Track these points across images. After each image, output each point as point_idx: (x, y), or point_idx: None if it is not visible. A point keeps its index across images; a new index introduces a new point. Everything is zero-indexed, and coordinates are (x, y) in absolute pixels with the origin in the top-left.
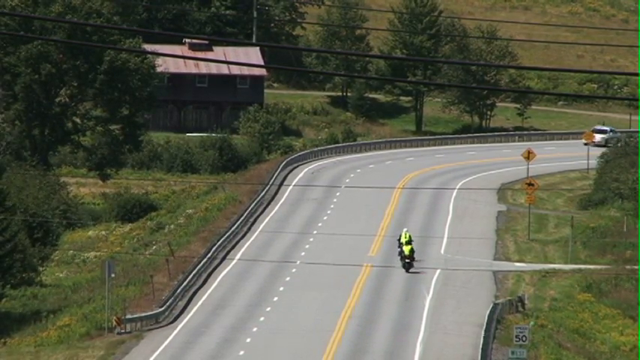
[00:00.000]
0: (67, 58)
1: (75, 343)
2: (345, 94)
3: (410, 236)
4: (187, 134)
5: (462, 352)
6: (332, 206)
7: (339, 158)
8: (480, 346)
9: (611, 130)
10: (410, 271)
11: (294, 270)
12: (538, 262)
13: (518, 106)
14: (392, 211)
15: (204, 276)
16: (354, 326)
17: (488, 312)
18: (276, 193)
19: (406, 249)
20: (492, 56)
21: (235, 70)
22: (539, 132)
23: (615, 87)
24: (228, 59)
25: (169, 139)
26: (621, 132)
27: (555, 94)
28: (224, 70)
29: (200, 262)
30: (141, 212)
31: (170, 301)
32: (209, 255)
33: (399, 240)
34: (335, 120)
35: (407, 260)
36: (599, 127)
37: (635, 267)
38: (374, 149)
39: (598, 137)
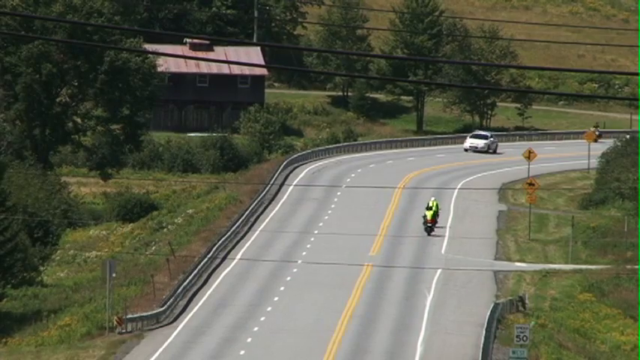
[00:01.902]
0: (67, 58)
1: (76, 343)
2: (345, 93)
3: (437, 205)
4: (188, 134)
5: (462, 351)
6: (333, 206)
7: (339, 158)
8: (481, 346)
9: (491, 136)
10: (431, 234)
11: (295, 270)
12: (539, 262)
13: (518, 105)
14: (393, 210)
15: (205, 276)
16: (355, 326)
17: (488, 312)
18: (277, 193)
19: (428, 214)
20: (493, 56)
21: (236, 69)
22: (540, 132)
23: (616, 87)
24: (229, 59)
25: (170, 139)
26: (620, 132)
27: (556, 94)
28: (225, 69)
29: (201, 262)
30: (142, 212)
31: (171, 300)
32: (210, 255)
33: (426, 208)
34: (336, 120)
35: (428, 224)
36: (478, 132)
37: (636, 267)
38: (375, 149)
39: (481, 143)
